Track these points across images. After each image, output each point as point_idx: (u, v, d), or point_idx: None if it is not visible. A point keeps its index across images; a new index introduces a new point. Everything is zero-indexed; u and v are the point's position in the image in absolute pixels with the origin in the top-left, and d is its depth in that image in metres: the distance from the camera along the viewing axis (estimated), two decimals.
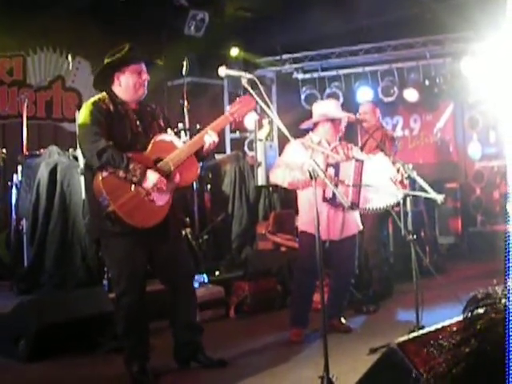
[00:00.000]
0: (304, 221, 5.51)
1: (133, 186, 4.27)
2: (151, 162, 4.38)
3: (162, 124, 4.68)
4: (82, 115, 4.41)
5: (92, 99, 4.50)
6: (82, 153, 4.56)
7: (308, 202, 5.32)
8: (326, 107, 5.68)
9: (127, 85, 4.50)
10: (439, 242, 10.05)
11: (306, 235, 5.40)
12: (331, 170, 5.18)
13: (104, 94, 4.52)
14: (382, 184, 5.18)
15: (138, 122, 4.51)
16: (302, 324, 5.51)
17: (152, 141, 4.47)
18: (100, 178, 4.25)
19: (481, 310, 1.21)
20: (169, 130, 4.67)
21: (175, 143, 4.54)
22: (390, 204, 5.27)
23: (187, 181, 4.70)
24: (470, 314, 1.23)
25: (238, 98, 4.66)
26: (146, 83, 4.57)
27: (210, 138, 4.50)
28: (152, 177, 4.27)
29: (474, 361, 1.12)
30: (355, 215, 5.55)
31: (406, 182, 5.41)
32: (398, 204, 5.25)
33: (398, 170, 5.29)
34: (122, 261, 4.44)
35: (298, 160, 5.22)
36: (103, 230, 4.43)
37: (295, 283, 5.72)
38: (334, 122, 5.53)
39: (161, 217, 4.38)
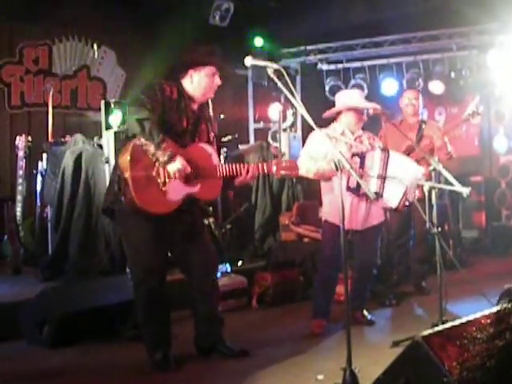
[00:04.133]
0: (327, 210, 5.47)
1: (156, 167, 4.21)
2: None
3: (210, 136, 4.62)
4: (145, 86, 4.44)
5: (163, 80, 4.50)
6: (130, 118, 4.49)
7: (332, 191, 5.31)
8: (349, 96, 5.62)
9: (199, 84, 4.47)
10: (463, 236, 9.96)
11: (329, 225, 5.37)
12: (356, 160, 5.14)
13: (176, 82, 4.49)
14: (405, 177, 5.14)
15: (191, 121, 4.46)
16: (324, 315, 5.47)
17: (195, 143, 4.44)
18: (133, 143, 4.21)
19: None
20: (209, 147, 4.54)
21: (212, 158, 4.47)
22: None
23: (204, 196, 4.54)
24: (503, 307, 1.21)
25: (284, 162, 4.57)
26: (216, 88, 4.55)
27: (248, 175, 4.47)
28: (179, 162, 4.21)
29: (508, 354, 1.10)
30: (379, 205, 5.50)
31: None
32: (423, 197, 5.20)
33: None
34: (137, 248, 4.39)
35: (322, 150, 5.20)
36: (116, 202, 4.35)
37: (318, 275, 5.68)
38: (358, 111, 5.46)
39: (163, 210, 4.26)
